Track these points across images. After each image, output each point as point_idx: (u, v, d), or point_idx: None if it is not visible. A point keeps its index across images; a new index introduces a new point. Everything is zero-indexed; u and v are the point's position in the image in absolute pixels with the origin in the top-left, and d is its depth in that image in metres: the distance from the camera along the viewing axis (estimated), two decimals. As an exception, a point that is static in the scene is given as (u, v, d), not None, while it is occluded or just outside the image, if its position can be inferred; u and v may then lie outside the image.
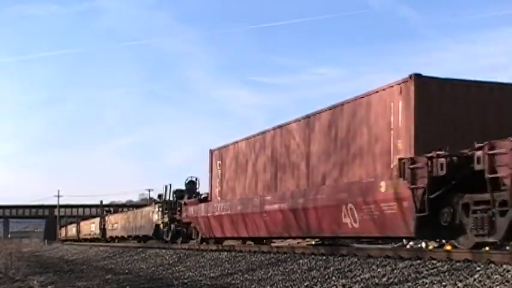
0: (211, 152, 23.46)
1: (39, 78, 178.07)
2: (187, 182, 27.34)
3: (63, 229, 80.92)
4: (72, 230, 72.07)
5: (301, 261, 13.69)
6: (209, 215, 22.45)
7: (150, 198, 79.99)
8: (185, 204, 25.64)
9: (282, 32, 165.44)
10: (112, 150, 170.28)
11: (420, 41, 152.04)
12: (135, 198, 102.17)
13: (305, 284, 11.09)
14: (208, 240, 23.85)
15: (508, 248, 13.66)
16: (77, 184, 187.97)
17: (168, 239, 29.10)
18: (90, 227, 57.97)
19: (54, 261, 31.55)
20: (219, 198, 22.38)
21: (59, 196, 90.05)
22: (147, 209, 37.13)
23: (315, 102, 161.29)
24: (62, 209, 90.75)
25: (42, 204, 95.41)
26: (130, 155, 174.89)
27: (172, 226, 28.21)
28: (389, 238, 14.97)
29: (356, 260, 12.31)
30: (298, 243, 20.01)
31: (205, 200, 24.16)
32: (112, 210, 62.81)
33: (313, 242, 19.00)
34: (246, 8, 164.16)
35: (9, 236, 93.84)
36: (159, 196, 32.79)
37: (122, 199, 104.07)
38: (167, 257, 21.22)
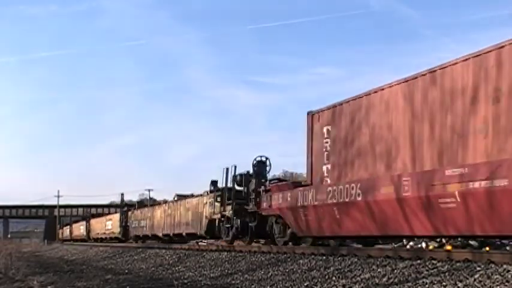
0: (311, 115, 16.81)
1: (39, 78, 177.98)
2: (255, 163, 20.91)
3: (66, 228, 74.60)
4: (79, 228, 63.71)
5: (301, 261, 13.69)
6: (312, 204, 15.67)
7: (150, 198, 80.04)
8: (267, 191, 19.03)
9: (282, 32, 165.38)
10: (112, 150, 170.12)
11: (420, 41, 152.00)
12: (135, 198, 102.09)
13: (305, 284, 11.09)
14: (302, 239, 18.06)
15: (507, 248, 13.68)
16: (77, 184, 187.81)
17: (228, 238, 22.20)
18: (105, 224, 48.81)
19: (54, 261, 31.55)
20: (328, 180, 15.63)
21: (58, 196, 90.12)
22: (194, 200, 28.81)
23: (315, 102, 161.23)
24: (62, 209, 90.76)
25: (42, 204, 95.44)
26: (130, 155, 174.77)
27: (238, 221, 21.20)
28: None
29: (356, 260, 12.31)
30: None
31: (299, 185, 17.87)
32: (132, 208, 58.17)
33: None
34: (246, 8, 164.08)
35: (9, 236, 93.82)
36: (214, 183, 25.13)
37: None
38: (167, 257, 21.22)
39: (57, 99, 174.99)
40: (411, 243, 16.79)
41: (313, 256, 14.05)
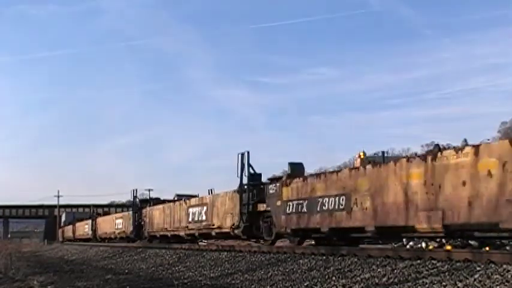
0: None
1: (39, 78, 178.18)
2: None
3: (68, 227, 68.00)
4: (83, 227, 57.58)
5: (301, 261, 13.69)
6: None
7: (150, 198, 79.75)
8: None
9: (282, 32, 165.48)
10: (112, 150, 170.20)
11: (420, 41, 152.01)
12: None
13: (305, 284, 11.09)
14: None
15: (507, 248, 13.67)
16: (77, 184, 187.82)
17: (270, 238, 18.71)
18: (115, 223, 43.30)
19: (54, 261, 31.55)
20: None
21: (58, 196, 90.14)
22: (229, 194, 21.97)
23: (315, 102, 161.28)
24: (62, 209, 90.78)
25: (42, 204, 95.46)
26: (130, 155, 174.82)
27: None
28: None
29: (356, 260, 12.31)
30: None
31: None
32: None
33: (313, 242, 18.91)
34: (246, 8, 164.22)
35: (9, 236, 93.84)
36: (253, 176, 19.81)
37: (122, 199, 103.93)
38: (167, 257, 21.22)
39: (57, 99, 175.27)
40: (411, 243, 16.80)
41: (313, 256, 14.05)
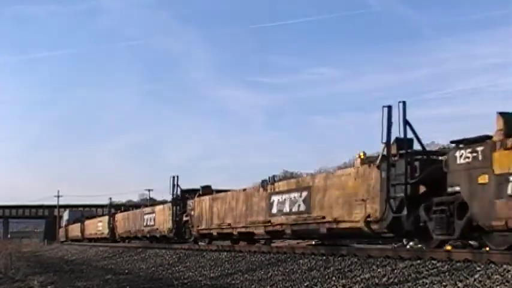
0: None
1: (39, 78, 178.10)
2: None
3: (75, 226, 61.39)
4: (95, 225, 49.60)
5: (301, 261, 13.69)
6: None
7: (150, 198, 79.90)
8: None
9: (282, 32, 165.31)
10: (112, 150, 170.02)
11: (420, 41, 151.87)
12: (135, 198, 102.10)
13: (305, 284, 11.09)
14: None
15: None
16: (77, 184, 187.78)
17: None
18: (143, 219, 35.33)
19: (54, 261, 31.55)
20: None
21: (58, 196, 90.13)
22: (347, 171, 15.73)
23: (315, 102, 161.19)
24: (62, 209, 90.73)
25: (42, 204, 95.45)
26: (130, 155, 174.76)
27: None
28: None
29: (356, 260, 12.31)
30: (298, 243, 19.98)
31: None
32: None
33: (313, 242, 18.96)
34: (246, 8, 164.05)
35: (8, 236, 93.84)
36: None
37: (122, 199, 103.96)
38: (167, 257, 21.22)
39: (57, 99, 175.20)
40: (411, 243, 16.76)
41: (313, 256, 14.05)
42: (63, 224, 77.44)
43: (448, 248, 12.61)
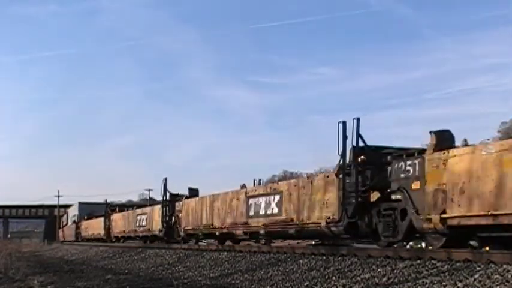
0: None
1: (39, 78, 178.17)
2: None
3: (85, 223, 56.01)
4: (121, 221, 41.12)
5: (301, 261, 13.69)
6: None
7: (150, 198, 79.77)
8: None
9: (282, 32, 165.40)
10: (112, 150, 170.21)
11: (420, 41, 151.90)
12: (135, 198, 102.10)
13: (305, 284, 11.09)
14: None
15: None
16: (77, 184, 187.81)
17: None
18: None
19: (54, 261, 31.53)
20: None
21: (58, 196, 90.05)
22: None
23: (315, 102, 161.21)
24: (62, 209, 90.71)
25: (42, 204, 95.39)
26: (130, 155, 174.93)
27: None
28: None
29: (356, 260, 12.31)
30: (298, 243, 19.98)
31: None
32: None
33: (313, 242, 18.96)
34: (246, 8, 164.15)
35: (8, 236, 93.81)
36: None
37: (122, 199, 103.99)
38: (167, 257, 21.22)
39: (57, 99, 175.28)
40: (411, 243, 16.75)
41: (313, 256, 14.05)
42: (69, 220, 74.22)
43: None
